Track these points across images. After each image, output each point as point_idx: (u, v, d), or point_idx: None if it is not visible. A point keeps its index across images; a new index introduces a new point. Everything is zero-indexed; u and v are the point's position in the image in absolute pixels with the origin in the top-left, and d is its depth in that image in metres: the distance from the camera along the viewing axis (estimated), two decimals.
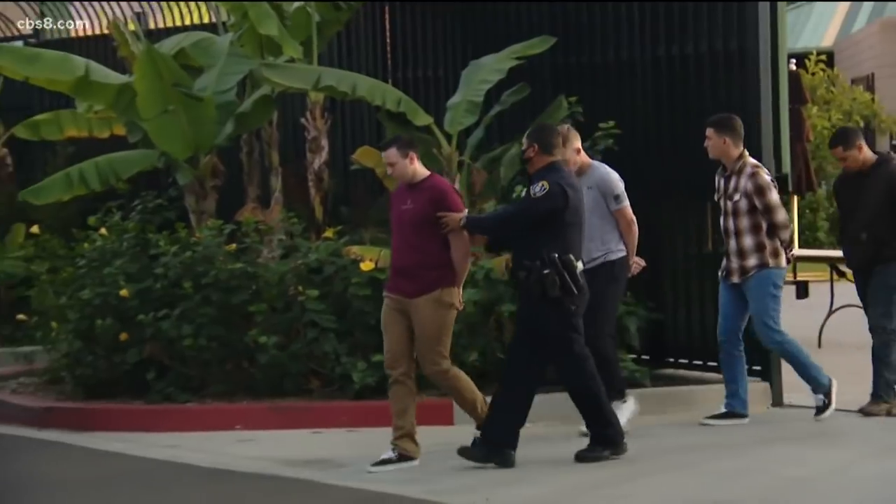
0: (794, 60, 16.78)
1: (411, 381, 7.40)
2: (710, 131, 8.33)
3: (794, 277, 11.91)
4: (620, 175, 8.24)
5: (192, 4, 12.40)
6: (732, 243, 8.25)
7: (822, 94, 18.93)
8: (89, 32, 13.51)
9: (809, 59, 18.85)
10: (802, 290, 11.70)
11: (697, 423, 8.32)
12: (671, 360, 9.60)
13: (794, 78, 13.34)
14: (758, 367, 9.14)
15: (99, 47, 12.71)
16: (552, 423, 8.14)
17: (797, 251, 11.84)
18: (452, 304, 7.37)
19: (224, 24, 11.06)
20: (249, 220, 9.83)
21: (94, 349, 9.38)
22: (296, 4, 10.28)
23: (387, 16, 11.32)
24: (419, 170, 7.45)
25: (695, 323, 9.43)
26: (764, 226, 8.18)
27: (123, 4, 12.88)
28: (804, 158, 13.71)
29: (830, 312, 11.51)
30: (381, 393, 8.37)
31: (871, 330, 8.50)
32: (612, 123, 9.41)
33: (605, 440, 7.40)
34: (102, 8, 12.90)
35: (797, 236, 14.05)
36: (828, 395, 8.30)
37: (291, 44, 9.99)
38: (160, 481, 7.46)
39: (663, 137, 9.55)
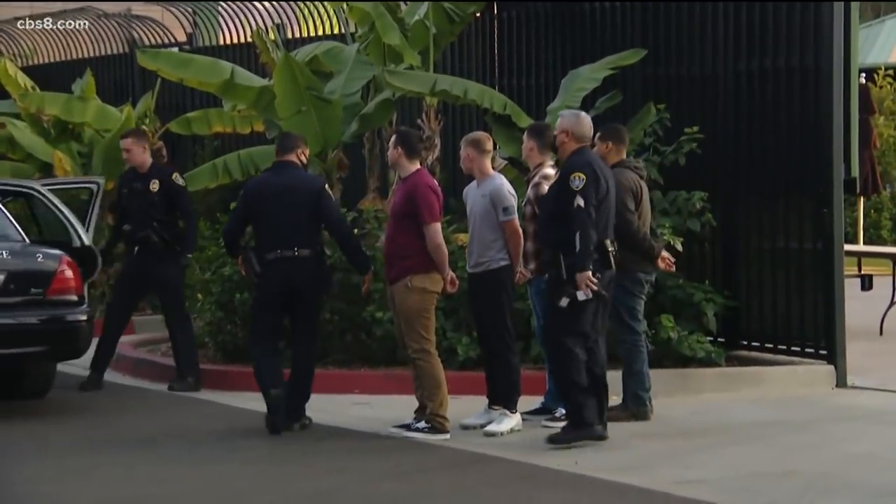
0: (864, 74, 16.31)
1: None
2: (525, 135, 7.71)
3: (859, 271, 11.61)
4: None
5: (325, 17, 12.41)
6: (523, 246, 7.49)
7: (889, 105, 18.31)
8: (235, 41, 13.59)
9: (878, 74, 18.28)
10: (867, 283, 11.37)
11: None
12: (744, 342, 9.35)
13: (863, 90, 12.96)
14: (824, 351, 8.89)
15: (243, 54, 12.77)
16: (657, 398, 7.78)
17: (863, 247, 11.50)
18: (425, 289, 7.20)
19: (352, 34, 11.04)
20: (369, 208, 9.80)
21: (234, 319, 9.44)
22: (415, 18, 10.23)
23: (495, 29, 11.22)
24: (405, 165, 7.28)
25: (767, 310, 9.19)
26: None
27: (265, 16, 12.94)
28: (871, 163, 13.30)
29: (892, 303, 11.18)
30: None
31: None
32: (696, 129, 9.20)
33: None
34: (247, 19, 12.98)
35: (862, 234, 13.69)
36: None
37: (411, 53, 9.95)
38: (287, 435, 7.47)
39: (742, 143, 9.32)
